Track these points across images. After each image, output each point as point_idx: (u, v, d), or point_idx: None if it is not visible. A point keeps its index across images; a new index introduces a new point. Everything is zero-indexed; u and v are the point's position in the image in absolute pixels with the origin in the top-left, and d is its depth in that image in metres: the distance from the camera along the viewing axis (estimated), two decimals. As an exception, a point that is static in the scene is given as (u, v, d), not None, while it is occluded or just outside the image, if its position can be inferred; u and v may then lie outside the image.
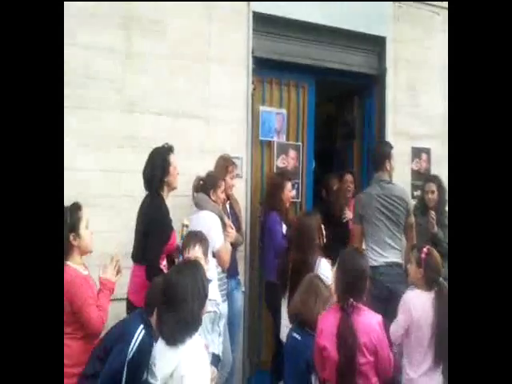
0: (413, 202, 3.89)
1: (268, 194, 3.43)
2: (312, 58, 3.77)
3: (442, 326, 2.23)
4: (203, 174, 3.06)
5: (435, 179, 3.70)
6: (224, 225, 2.91)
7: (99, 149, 3.08)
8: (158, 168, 2.58)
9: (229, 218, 3.11)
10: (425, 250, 2.51)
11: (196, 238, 2.40)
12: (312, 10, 3.68)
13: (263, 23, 3.58)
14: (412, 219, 3.32)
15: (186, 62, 3.37)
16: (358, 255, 2.20)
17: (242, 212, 3.38)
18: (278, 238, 3.17)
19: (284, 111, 3.75)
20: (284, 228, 3.26)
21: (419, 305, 2.41)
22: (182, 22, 3.36)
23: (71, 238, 2.08)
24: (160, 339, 1.80)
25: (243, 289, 3.26)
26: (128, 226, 3.05)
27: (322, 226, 2.81)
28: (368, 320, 2.03)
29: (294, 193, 3.49)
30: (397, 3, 4.11)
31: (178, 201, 3.17)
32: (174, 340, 1.71)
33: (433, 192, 3.62)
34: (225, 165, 3.12)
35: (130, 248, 2.74)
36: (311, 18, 3.70)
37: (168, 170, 2.62)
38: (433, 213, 3.54)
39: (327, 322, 2.05)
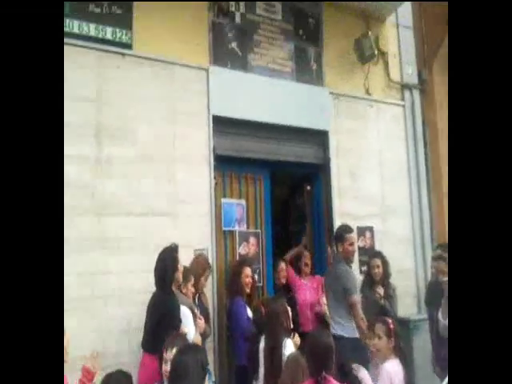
0: (361, 278, 4.31)
1: (229, 280, 3.69)
2: (266, 153, 4.23)
3: None
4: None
5: (379, 255, 4.11)
6: (195, 316, 3.13)
7: (72, 252, 3.22)
8: (169, 266, 2.92)
9: (197, 309, 3.33)
10: (389, 321, 2.73)
11: (176, 341, 2.57)
12: (263, 110, 4.17)
13: (222, 124, 4.00)
14: (352, 298, 3.39)
15: (153, 163, 3.67)
16: (325, 334, 2.48)
17: (209, 301, 3.62)
18: (244, 321, 3.42)
19: (243, 202, 4.12)
20: (249, 311, 3.52)
21: (398, 373, 2.60)
22: (148, 127, 3.67)
23: None
24: None
25: (213, 378, 3.42)
26: (100, 327, 3.19)
27: (288, 309, 3.10)
28: None
29: (256, 277, 3.79)
30: (336, 99, 4.73)
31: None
32: None
33: (378, 266, 3.99)
34: (204, 266, 3.40)
35: (103, 348, 2.86)
36: (263, 118, 4.19)
37: (177, 266, 2.98)
38: (380, 287, 3.94)
39: None
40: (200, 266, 3.39)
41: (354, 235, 3.74)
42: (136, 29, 3.75)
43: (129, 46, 3.72)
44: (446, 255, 3.33)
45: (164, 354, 2.54)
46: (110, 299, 3.04)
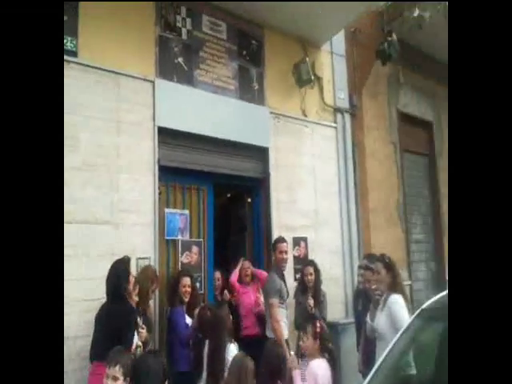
0: (295, 284, 4.61)
1: (168, 290, 3.78)
2: (209, 165, 4.39)
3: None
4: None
5: (312, 263, 4.43)
6: (137, 326, 3.18)
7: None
8: (122, 277, 3.03)
9: (140, 318, 3.38)
10: (317, 324, 2.96)
11: (119, 356, 2.50)
12: (207, 125, 4.34)
13: (167, 135, 4.11)
14: (268, 301, 3.77)
15: (96, 172, 3.67)
16: (277, 346, 2.72)
17: (151, 309, 3.66)
18: (183, 329, 3.53)
19: (187, 212, 4.23)
20: (188, 319, 3.63)
21: (323, 371, 2.84)
22: (91, 135, 3.67)
23: None
24: None
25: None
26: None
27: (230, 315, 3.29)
28: None
29: (197, 285, 3.91)
30: (276, 118, 5.04)
31: (87, 305, 3.36)
32: None
33: (311, 274, 4.28)
34: (152, 280, 3.46)
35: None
36: (207, 132, 4.35)
37: (129, 278, 3.10)
38: (310, 296, 4.21)
39: None
40: (148, 279, 3.44)
41: (285, 244, 4.00)
42: (82, 36, 3.75)
43: (74, 53, 3.72)
44: (371, 265, 3.60)
45: (107, 370, 2.48)
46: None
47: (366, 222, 5.47)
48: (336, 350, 4.31)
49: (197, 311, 3.55)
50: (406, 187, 6.21)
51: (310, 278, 4.29)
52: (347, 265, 5.20)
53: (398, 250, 5.60)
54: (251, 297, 4.34)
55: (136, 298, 3.30)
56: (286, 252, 3.98)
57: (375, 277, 3.32)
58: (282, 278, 3.96)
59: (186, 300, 3.69)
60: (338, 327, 4.64)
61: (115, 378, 2.43)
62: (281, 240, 4.04)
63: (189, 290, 3.69)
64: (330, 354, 2.95)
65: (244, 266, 4.51)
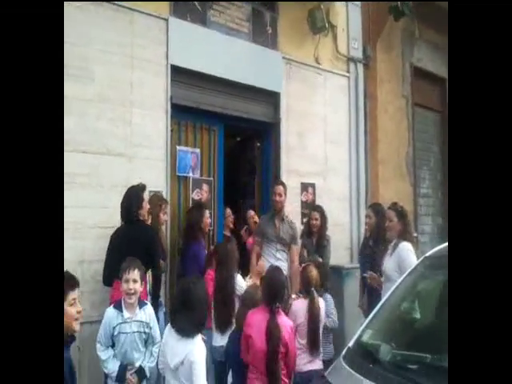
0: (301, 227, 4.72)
1: (191, 222, 3.79)
2: (221, 107, 4.42)
3: (312, 323, 3.10)
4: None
5: (318, 208, 4.52)
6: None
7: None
8: (134, 201, 3.18)
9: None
10: (300, 267, 3.27)
11: (135, 262, 2.78)
12: (220, 66, 4.34)
13: (180, 74, 4.12)
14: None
15: (109, 104, 3.72)
16: (278, 272, 2.89)
17: (164, 236, 3.79)
18: (202, 261, 3.64)
19: (198, 150, 4.30)
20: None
21: (300, 309, 3.17)
22: (105, 69, 3.70)
23: None
24: (170, 333, 2.36)
25: (164, 309, 3.62)
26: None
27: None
28: (285, 321, 2.73)
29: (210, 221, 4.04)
30: (288, 64, 5.01)
31: (102, 232, 3.50)
32: (187, 334, 2.33)
33: (316, 219, 4.40)
34: (158, 203, 3.55)
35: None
36: (219, 73, 4.35)
37: (142, 204, 3.22)
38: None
39: (255, 318, 2.66)
40: (156, 202, 3.55)
41: (280, 187, 3.99)
42: (96, -30, 3.72)
43: (89, -12, 3.70)
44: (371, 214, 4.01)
45: (126, 275, 2.71)
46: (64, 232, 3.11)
47: (374, 172, 5.51)
48: (340, 292, 4.57)
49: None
50: (416, 141, 6.19)
51: (315, 222, 4.38)
52: (354, 212, 5.29)
53: (405, 203, 5.55)
54: None
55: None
56: (279, 195, 3.97)
57: (387, 224, 3.44)
58: (272, 219, 3.99)
59: (206, 233, 3.87)
60: (342, 271, 4.78)
61: (135, 281, 2.69)
62: (277, 183, 4.17)
63: (210, 222, 3.88)
64: (310, 296, 3.20)
65: (250, 214, 4.68)
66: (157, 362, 2.67)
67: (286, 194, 4.04)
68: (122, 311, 2.70)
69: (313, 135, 5.10)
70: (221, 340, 3.12)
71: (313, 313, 3.14)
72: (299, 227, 4.74)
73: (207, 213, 3.84)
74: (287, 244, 3.99)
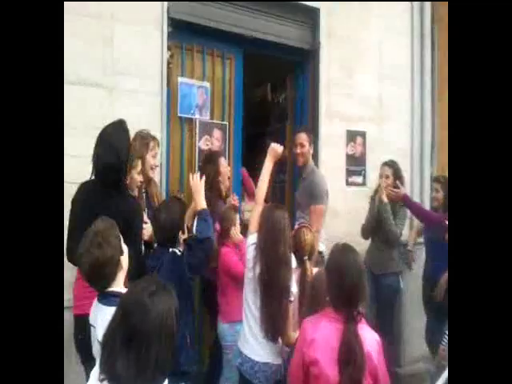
0: (348, 189, 3.71)
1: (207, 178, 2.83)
2: (240, 26, 3.28)
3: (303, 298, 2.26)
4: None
5: (392, 164, 3.43)
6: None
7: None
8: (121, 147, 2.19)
9: (145, 210, 2.54)
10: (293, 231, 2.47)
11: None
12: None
13: (181, -21, 3.03)
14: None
15: (84, 20, 2.73)
16: (352, 253, 1.78)
17: (157, 194, 2.80)
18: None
19: (207, 85, 3.23)
20: None
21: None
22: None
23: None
24: None
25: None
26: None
27: None
28: (371, 335, 1.70)
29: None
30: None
31: (71, 189, 2.57)
32: None
33: (387, 177, 3.37)
34: (144, 141, 2.53)
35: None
36: (238, -21, 3.22)
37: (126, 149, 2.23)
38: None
39: (321, 332, 1.69)
40: (142, 141, 2.54)
41: (302, 135, 3.16)
42: None
43: None
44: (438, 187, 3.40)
45: None
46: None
47: (443, 119, 4.25)
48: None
49: None
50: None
51: (385, 181, 3.37)
52: (416, 170, 4.13)
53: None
54: None
55: (139, 178, 2.46)
56: (301, 145, 3.14)
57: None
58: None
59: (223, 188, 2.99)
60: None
61: None
62: (299, 130, 3.29)
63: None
64: (301, 265, 2.48)
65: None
66: None
67: (311, 144, 3.18)
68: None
69: (363, 68, 3.90)
70: (264, 354, 2.15)
71: (304, 287, 2.27)
72: (344, 189, 3.68)
73: (223, 160, 2.98)
74: (305, 206, 3.05)
